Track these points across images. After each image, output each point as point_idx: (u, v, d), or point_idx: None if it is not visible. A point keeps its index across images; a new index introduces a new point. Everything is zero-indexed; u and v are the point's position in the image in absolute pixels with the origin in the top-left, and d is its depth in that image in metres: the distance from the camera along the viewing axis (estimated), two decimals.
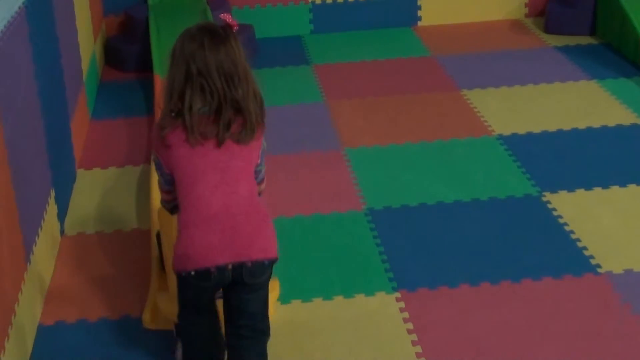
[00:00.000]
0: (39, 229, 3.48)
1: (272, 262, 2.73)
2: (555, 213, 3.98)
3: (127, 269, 3.69)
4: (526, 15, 6.58)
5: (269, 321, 2.82)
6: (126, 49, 5.91)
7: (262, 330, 2.81)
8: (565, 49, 5.95)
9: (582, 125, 4.83)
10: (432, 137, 4.76)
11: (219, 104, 2.65)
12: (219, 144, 2.65)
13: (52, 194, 3.79)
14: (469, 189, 4.21)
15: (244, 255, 2.65)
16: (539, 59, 5.81)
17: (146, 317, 3.30)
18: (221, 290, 2.77)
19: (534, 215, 3.99)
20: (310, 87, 5.51)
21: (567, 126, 4.83)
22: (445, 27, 6.48)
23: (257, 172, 2.82)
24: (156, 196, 3.91)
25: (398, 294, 3.45)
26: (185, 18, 5.78)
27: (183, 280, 2.72)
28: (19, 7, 3.46)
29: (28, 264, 3.24)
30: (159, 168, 2.77)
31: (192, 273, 2.66)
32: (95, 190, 4.33)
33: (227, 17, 2.74)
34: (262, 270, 2.70)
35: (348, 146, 4.70)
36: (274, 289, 3.31)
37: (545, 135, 4.74)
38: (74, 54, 4.72)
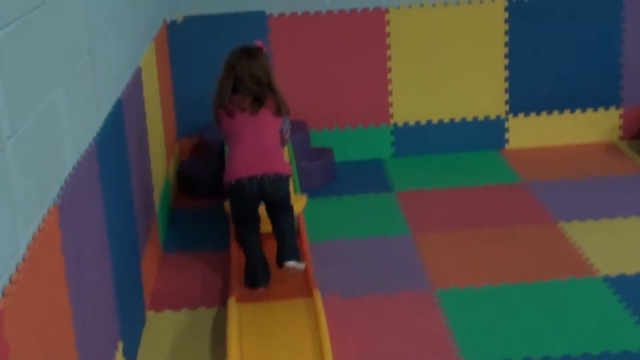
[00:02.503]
0: None
1: (288, 176, 4.17)
2: None
3: None
4: (620, 138, 6.20)
5: (292, 207, 4.32)
6: (200, 174, 5.64)
7: (288, 208, 4.26)
8: None
9: None
10: (530, 277, 4.36)
11: (251, 94, 4.17)
12: (252, 113, 4.15)
13: (120, 347, 3.45)
14: (578, 341, 3.78)
15: (267, 170, 4.09)
16: None
17: None
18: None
19: None
20: (394, 217, 5.16)
21: None
22: (534, 150, 6.12)
23: (281, 131, 4.28)
24: (234, 348, 3.56)
25: None
26: None
27: (229, 189, 4.16)
28: (89, 145, 3.18)
29: None
30: (219, 131, 4.35)
31: (233, 182, 4.11)
32: (166, 338, 3.99)
33: (258, 42, 4.37)
34: (281, 182, 4.13)
35: (439, 287, 4.31)
36: (302, 200, 4.83)
37: None
38: (146, 184, 4.45)
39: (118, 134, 3.73)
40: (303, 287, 4.09)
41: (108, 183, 3.41)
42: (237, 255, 4.46)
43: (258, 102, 4.16)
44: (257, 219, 4.26)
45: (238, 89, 4.19)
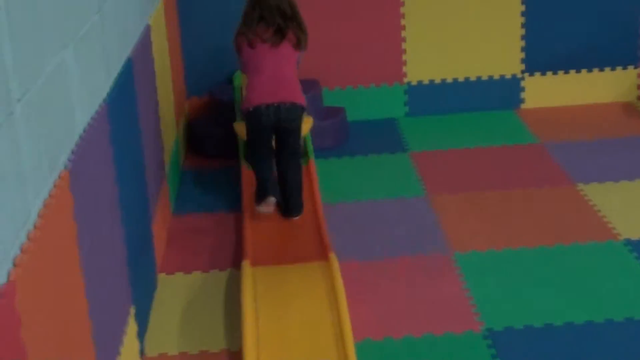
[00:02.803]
0: (118, 357, 3.05)
1: (302, 107, 4.33)
2: None
3: None
4: (638, 98, 6.06)
5: (300, 148, 4.51)
6: (210, 133, 5.53)
7: (297, 152, 4.42)
8: None
9: None
10: (550, 240, 4.26)
11: (274, 26, 4.32)
12: (273, 45, 4.32)
13: (132, 311, 3.37)
14: (600, 307, 3.69)
15: (284, 98, 4.26)
16: None
17: None
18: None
19: None
20: (410, 178, 5.05)
21: None
22: (551, 110, 5.99)
23: (297, 62, 4.42)
24: (249, 312, 3.46)
25: None
26: None
27: (246, 116, 4.34)
28: (100, 106, 3.07)
29: None
30: (240, 61, 4.49)
31: (251, 109, 4.28)
32: (178, 301, 3.91)
33: None
34: (295, 111, 4.31)
35: (457, 250, 4.22)
36: (309, 122, 4.90)
37: None
38: (156, 145, 4.34)
39: (128, 94, 3.62)
40: (318, 250, 4.00)
41: (119, 145, 3.31)
42: (250, 215, 4.37)
43: (280, 34, 4.32)
44: (271, 151, 4.40)
45: (262, 20, 4.33)
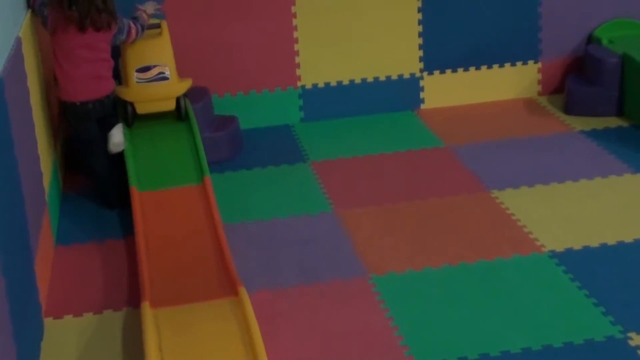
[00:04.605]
0: None
1: (110, 95, 4.49)
2: None
3: None
4: (539, 93, 5.85)
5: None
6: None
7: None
8: (594, 134, 5.22)
9: None
10: (471, 256, 3.97)
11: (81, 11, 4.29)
12: (82, 31, 4.31)
13: None
14: (536, 332, 3.41)
15: (104, 93, 4.44)
16: (569, 147, 5.07)
17: None
18: None
19: None
20: (314, 191, 4.69)
21: (627, 237, 4.07)
22: (451, 109, 5.72)
23: (116, 39, 4.52)
24: None
25: None
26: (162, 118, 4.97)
27: (70, 109, 4.46)
28: None
29: None
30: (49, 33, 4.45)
31: (78, 104, 4.41)
32: (69, 350, 3.45)
33: None
34: (108, 102, 4.48)
35: (374, 272, 3.88)
36: (188, 81, 4.95)
37: (605, 250, 3.98)
38: (34, 172, 3.87)
39: (1, 121, 3.15)
40: (225, 283, 3.59)
41: None
42: (145, 244, 3.92)
43: (85, 19, 4.28)
44: (100, 137, 4.51)
45: (71, 4, 4.27)
